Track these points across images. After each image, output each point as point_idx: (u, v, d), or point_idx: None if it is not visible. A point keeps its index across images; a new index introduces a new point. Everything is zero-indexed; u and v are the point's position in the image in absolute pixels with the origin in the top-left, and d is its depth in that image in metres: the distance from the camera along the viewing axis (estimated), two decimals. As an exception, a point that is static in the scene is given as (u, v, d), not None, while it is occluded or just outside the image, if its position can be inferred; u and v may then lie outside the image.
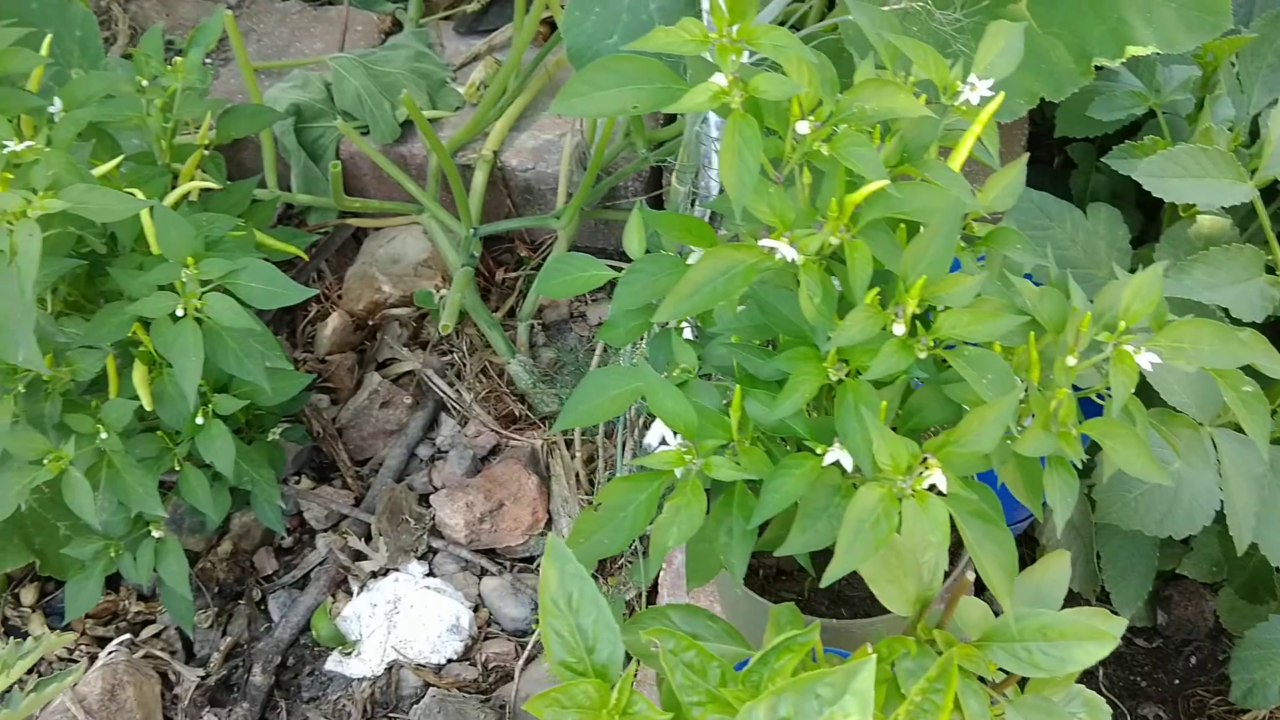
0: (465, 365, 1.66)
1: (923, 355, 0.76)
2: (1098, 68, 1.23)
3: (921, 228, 0.77)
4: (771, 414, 0.76)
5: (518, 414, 1.60)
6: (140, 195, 1.18)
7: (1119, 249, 1.30)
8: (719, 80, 0.75)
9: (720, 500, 0.79)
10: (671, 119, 1.69)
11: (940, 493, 0.71)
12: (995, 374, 0.74)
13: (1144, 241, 1.40)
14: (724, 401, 0.83)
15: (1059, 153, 1.65)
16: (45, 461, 1.14)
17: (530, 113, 1.79)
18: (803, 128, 0.77)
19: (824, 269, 0.77)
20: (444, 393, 1.61)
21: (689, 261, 0.89)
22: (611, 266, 1.76)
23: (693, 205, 1.30)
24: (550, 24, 1.81)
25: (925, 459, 0.71)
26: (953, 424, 0.80)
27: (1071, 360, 0.78)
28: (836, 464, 0.75)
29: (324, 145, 1.76)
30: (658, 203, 1.74)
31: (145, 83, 1.24)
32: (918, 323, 0.77)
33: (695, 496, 0.74)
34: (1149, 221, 1.51)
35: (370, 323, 1.72)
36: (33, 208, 0.99)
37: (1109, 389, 0.78)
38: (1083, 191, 1.59)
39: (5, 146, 1.03)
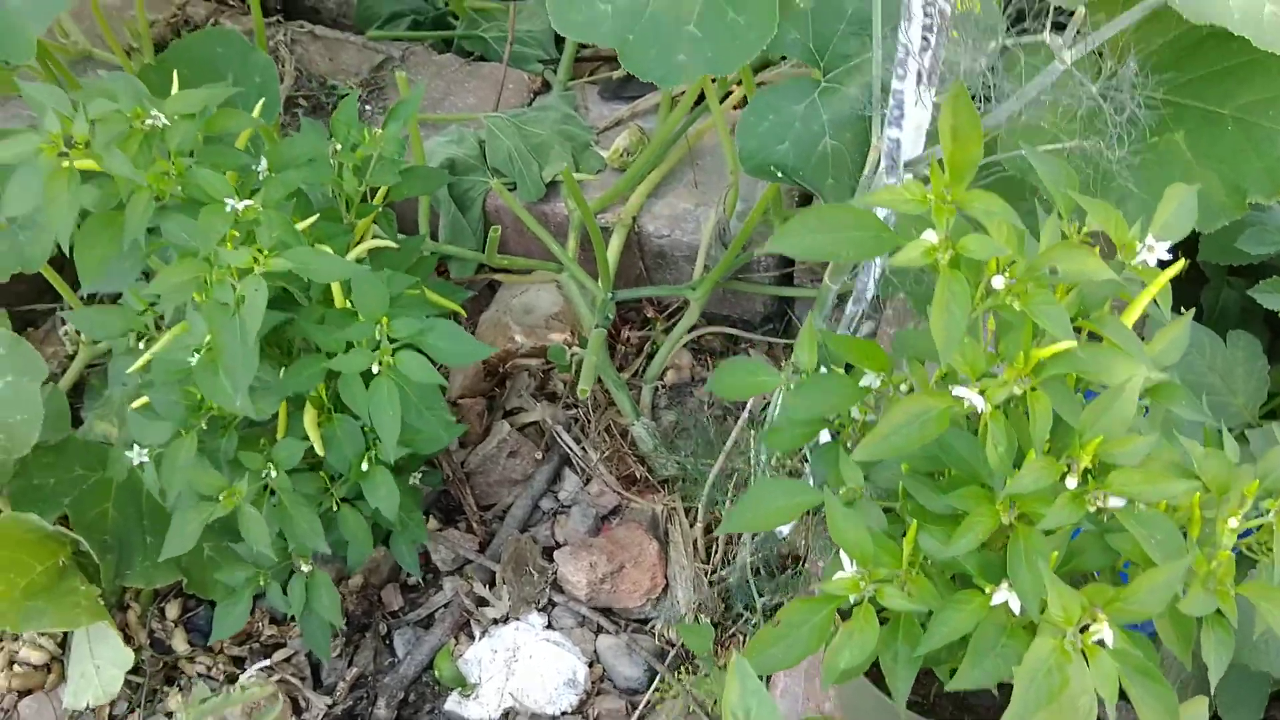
0: (590, 422, 1.72)
1: (1093, 509, 0.80)
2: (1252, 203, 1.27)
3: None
4: (945, 550, 0.81)
5: (638, 475, 1.67)
6: (329, 249, 1.27)
7: (1257, 378, 1.33)
8: (930, 237, 0.80)
9: (888, 625, 0.84)
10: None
11: (1106, 645, 0.75)
12: (1163, 535, 0.79)
13: (1274, 357, 1.42)
14: (889, 527, 0.88)
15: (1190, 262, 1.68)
16: (220, 497, 1.22)
17: (668, 180, 1.86)
18: (998, 283, 0.82)
19: (1006, 417, 0.82)
20: (570, 448, 1.68)
21: (861, 384, 0.95)
22: (744, 338, 1.82)
23: (840, 302, 1.35)
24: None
25: (1095, 611, 0.76)
26: (1110, 570, 0.85)
27: (1234, 523, 0.82)
28: (1004, 604, 0.80)
29: (472, 198, 1.84)
30: (789, 279, 1.80)
31: (339, 146, 1.32)
32: (1088, 475, 0.82)
33: (869, 624, 0.80)
34: (1276, 338, 1.54)
35: (501, 370, 1.80)
36: (260, 265, 1.07)
37: (1263, 544, 0.82)
38: (1213, 304, 1.61)
39: (228, 204, 1.11)
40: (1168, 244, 0.90)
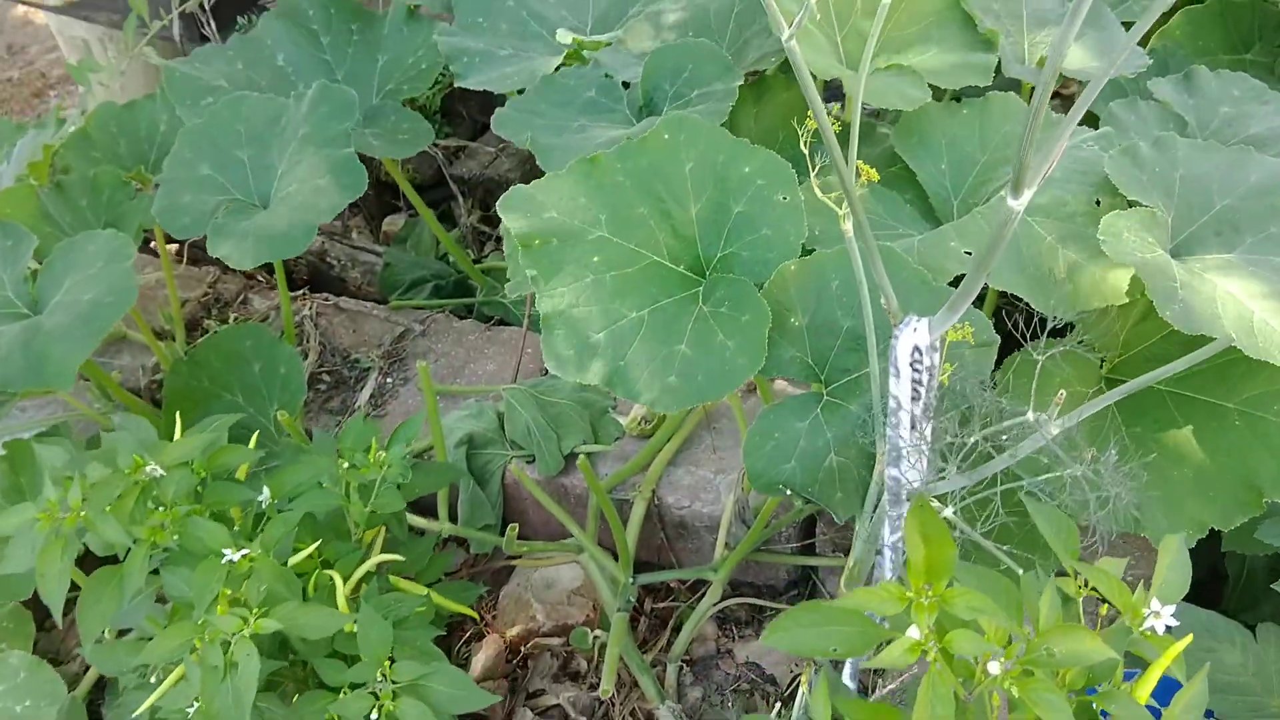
0: (615, 705, 1.68)
1: None
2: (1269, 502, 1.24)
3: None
4: None
5: (664, 761, 1.61)
6: (336, 576, 1.27)
7: (1293, 677, 1.28)
8: (914, 634, 0.79)
9: None
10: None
11: None
12: None
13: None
14: None
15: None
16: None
17: (687, 446, 1.87)
18: (994, 668, 0.80)
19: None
20: (592, 736, 1.64)
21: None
22: (769, 607, 1.79)
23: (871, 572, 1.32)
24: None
25: None
26: None
27: None
28: None
29: (491, 471, 1.86)
30: (810, 549, 1.78)
31: (346, 465, 1.34)
32: None
33: None
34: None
35: (523, 649, 1.77)
36: (249, 628, 1.08)
37: None
38: (1239, 572, 1.57)
39: (225, 555, 1.13)
40: (1173, 608, 0.88)
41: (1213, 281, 1.22)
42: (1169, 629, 0.87)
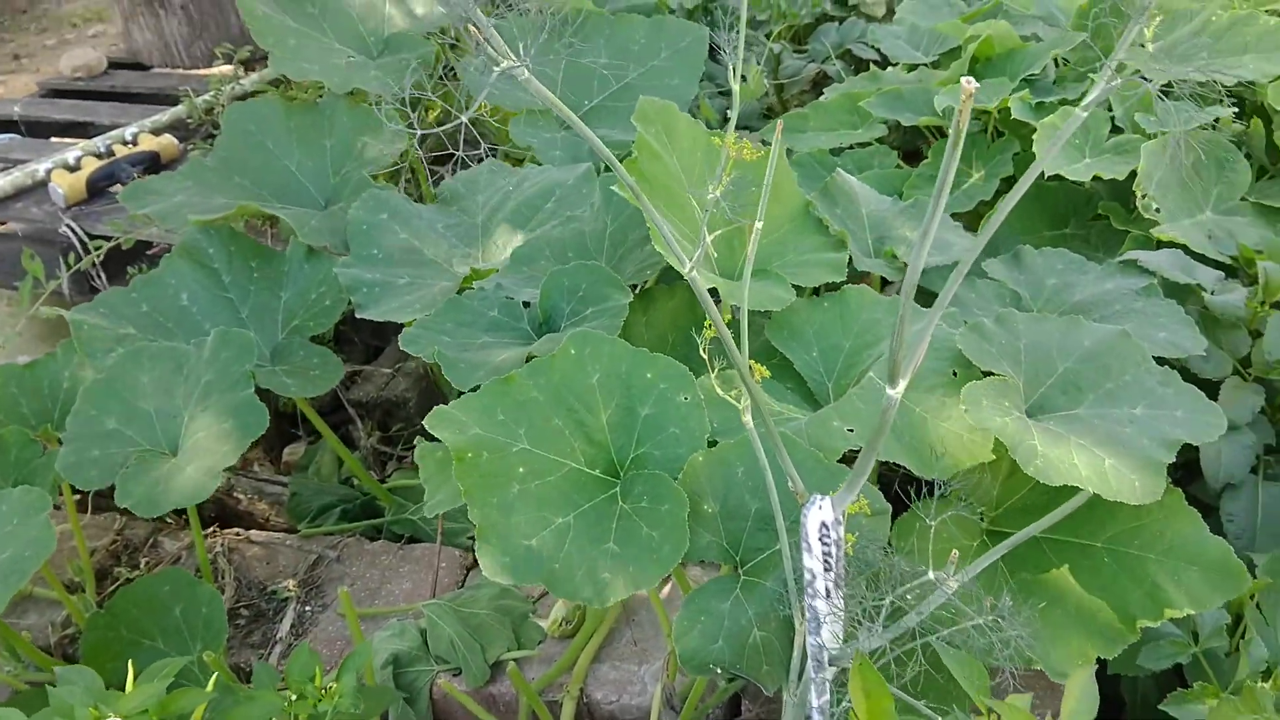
0: None
1: None
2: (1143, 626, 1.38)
3: None
4: None
5: None
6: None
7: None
8: (862, 782, 0.88)
9: None
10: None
11: None
12: None
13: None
14: None
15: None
16: None
17: (609, 643, 1.93)
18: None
19: None
20: None
21: None
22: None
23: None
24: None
25: None
26: None
27: None
28: None
29: (418, 688, 1.88)
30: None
31: (296, 698, 1.37)
32: None
33: None
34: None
35: None
36: None
37: None
38: (1134, 697, 1.70)
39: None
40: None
41: (1065, 436, 1.39)
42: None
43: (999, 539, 1.48)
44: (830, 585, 1.13)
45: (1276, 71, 2.11)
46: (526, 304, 1.73)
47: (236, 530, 2.23)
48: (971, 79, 0.80)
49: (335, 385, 1.96)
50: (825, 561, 1.11)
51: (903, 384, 1.00)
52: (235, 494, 2.35)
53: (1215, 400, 1.55)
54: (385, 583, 2.10)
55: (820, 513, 1.10)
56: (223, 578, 2.10)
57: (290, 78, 2.59)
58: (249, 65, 3.76)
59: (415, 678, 1.89)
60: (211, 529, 2.24)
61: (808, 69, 3.30)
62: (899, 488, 1.43)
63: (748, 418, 1.22)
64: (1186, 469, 1.78)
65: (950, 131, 0.87)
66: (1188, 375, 1.63)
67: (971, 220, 2.13)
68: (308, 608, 2.06)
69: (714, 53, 3.59)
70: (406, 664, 1.89)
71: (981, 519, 1.49)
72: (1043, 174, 2.19)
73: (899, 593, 1.06)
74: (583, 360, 1.43)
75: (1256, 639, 1.45)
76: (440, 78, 3.11)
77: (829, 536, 1.10)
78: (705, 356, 1.19)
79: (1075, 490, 1.41)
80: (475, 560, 2.15)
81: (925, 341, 1.01)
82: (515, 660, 1.88)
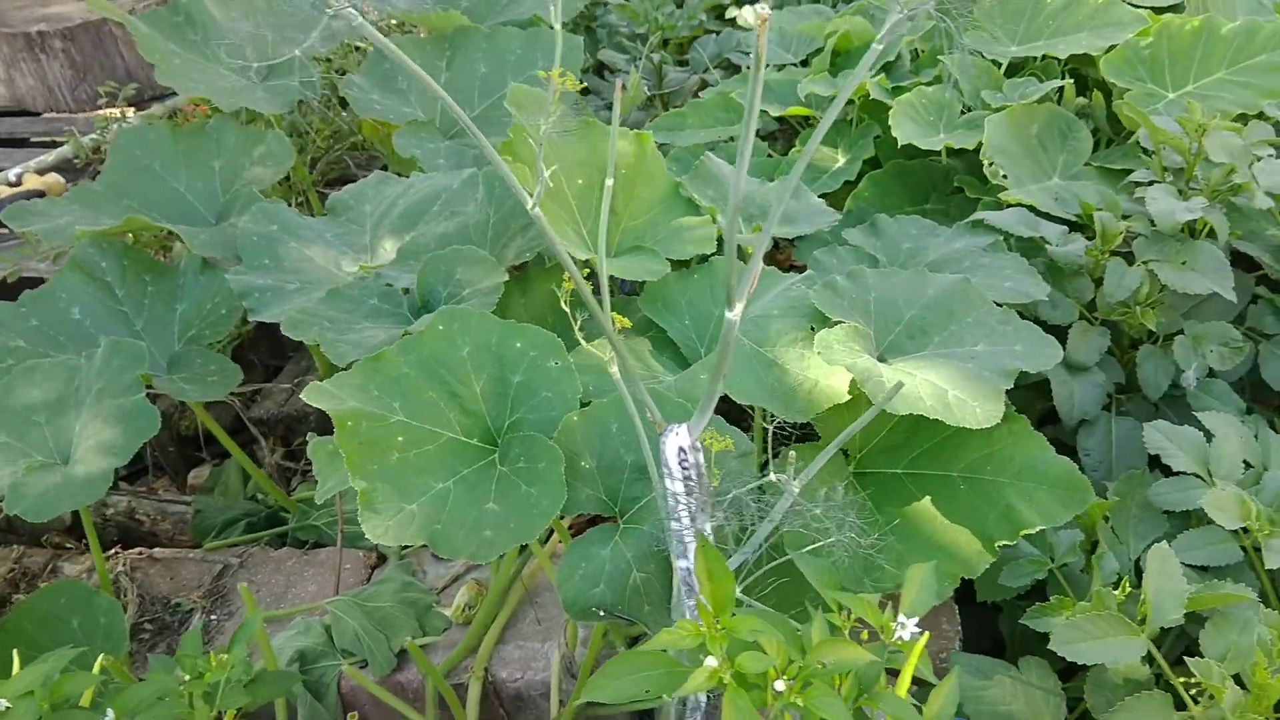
0: None
1: None
2: (1001, 546, 1.47)
3: None
4: None
5: None
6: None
7: (1054, 695, 1.47)
8: (711, 663, 0.94)
9: None
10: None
11: None
12: None
13: (1068, 674, 1.57)
14: None
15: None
16: None
17: (514, 623, 1.97)
18: (779, 686, 0.96)
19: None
20: None
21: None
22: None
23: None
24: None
25: None
26: None
27: None
28: None
29: (326, 684, 1.90)
30: (647, 714, 1.90)
31: (188, 678, 1.39)
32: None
33: None
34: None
35: None
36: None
37: None
38: (1012, 630, 1.79)
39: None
40: (915, 620, 1.07)
41: (913, 374, 1.48)
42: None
43: (865, 479, 1.56)
44: (694, 509, 1.20)
45: (1105, 45, 2.27)
46: (406, 290, 1.78)
47: (139, 550, 2.23)
48: (765, 5, 0.89)
49: (233, 389, 2.00)
50: (687, 484, 1.18)
51: (739, 307, 1.08)
52: (138, 516, 2.35)
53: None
54: (290, 587, 2.12)
55: (677, 438, 1.17)
56: (125, 595, 2.10)
57: (176, 91, 2.63)
58: (138, 105, 3.77)
59: (323, 673, 1.91)
60: (114, 550, 2.24)
61: (690, 80, 3.42)
62: (772, 442, 1.51)
63: (614, 369, 1.29)
64: (1050, 414, 1.89)
65: (752, 53, 0.96)
66: (1039, 324, 1.74)
67: (838, 201, 2.23)
68: (213, 616, 2.07)
69: (600, 70, 3.70)
70: (312, 660, 1.91)
71: (847, 459, 1.57)
72: (906, 153, 2.31)
73: (742, 491, 1.13)
74: (451, 335, 1.49)
75: (1108, 553, 1.54)
76: (325, 103, 3.16)
77: (688, 461, 1.17)
78: (567, 308, 1.26)
79: (931, 426, 1.51)
80: (379, 560, 2.18)
81: (755, 271, 1.09)
82: (422, 647, 1.91)
